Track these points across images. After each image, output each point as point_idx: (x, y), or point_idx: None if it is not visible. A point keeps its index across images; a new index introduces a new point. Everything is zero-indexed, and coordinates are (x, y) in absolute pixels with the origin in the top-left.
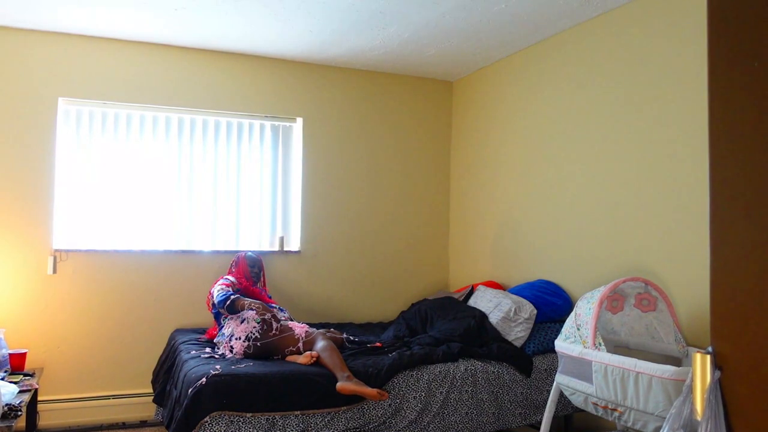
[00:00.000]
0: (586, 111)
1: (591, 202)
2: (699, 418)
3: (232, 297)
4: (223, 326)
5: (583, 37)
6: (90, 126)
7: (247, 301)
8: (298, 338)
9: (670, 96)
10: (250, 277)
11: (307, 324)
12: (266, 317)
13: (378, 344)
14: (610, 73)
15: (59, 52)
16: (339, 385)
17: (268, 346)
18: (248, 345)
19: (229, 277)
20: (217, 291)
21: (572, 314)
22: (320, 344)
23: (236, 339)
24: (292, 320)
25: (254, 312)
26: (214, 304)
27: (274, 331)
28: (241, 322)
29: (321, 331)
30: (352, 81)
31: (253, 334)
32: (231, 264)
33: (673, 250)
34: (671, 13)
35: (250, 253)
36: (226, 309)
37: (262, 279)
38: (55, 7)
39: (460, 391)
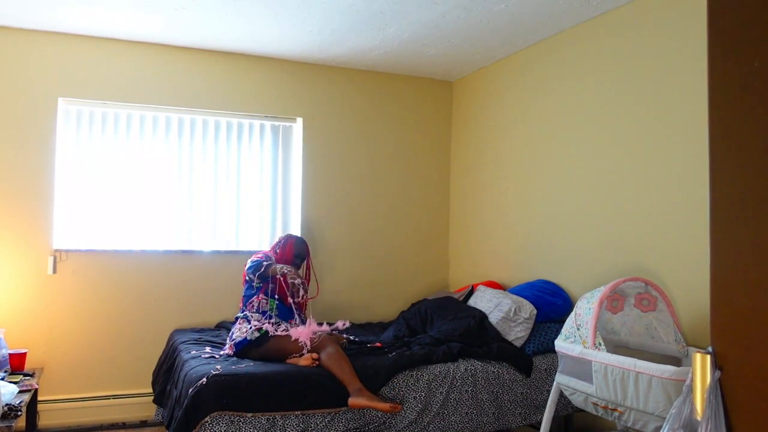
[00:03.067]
0: (586, 111)
1: (591, 201)
2: (699, 418)
3: (265, 263)
4: (237, 319)
5: (583, 37)
6: (90, 126)
7: (278, 266)
8: (303, 346)
9: (670, 96)
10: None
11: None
12: (296, 282)
13: (378, 344)
14: (610, 73)
15: (59, 52)
16: (351, 400)
17: (265, 351)
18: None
19: (269, 254)
20: (251, 262)
21: (572, 314)
22: (328, 350)
23: (231, 341)
24: (304, 323)
25: (287, 275)
26: (248, 280)
27: (280, 330)
28: (247, 321)
29: (327, 334)
30: (352, 81)
31: (252, 336)
32: (277, 242)
33: (673, 250)
34: (671, 13)
35: (300, 240)
36: (258, 277)
37: (305, 270)
38: (55, 7)
39: (460, 391)
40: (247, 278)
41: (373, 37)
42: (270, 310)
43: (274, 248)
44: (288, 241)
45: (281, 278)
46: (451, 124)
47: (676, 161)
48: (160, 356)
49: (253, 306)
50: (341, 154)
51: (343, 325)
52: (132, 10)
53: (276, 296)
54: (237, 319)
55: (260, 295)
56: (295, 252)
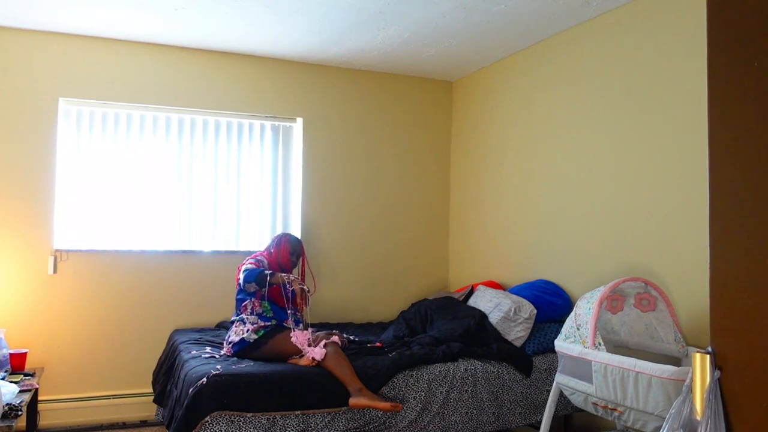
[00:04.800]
0: (586, 111)
1: (591, 201)
2: (699, 418)
3: (267, 273)
4: (234, 323)
5: (583, 37)
6: (90, 126)
7: (282, 275)
8: (301, 349)
9: (670, 96)
10: (287, 265)
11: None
12: (304, 288)
13: (378, 344)
14: (610, 73)
15: (59, 52)
16: (352, 400)
17: (264, 353)
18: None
19: (262, 259)
20: (244, 269)
21: (572, 314)
22: (327, 351)
23: (228, 344)
24: (299, 325)
25: (290, 285)
26: (240, 285)
27: (273, 339)
28: (243, 323)
29: (326, 334)
30: (352, 81)
31: (249, 338)
32: (272, 242)
33: (673, 250)
34: (671, 13)
35: (294, 238)
36: (259, 285)
37: (300, 268)
38: (55, 7)
39: (460, 391)
40: (238, 296)
41: (373, 37)
42: (265, 312)
43: (267, 249)
44: (282, 239)
45: (292, 287)
46: (451, 124)
47: (676, 161)
48: (160, 356)
49: (247, 309)
50: (341, 154)
51: (340, 339)
52: (132, 10)
53: (270, 299)
54: (233, 322)
55: (254, 299)
56: (291, 250)
